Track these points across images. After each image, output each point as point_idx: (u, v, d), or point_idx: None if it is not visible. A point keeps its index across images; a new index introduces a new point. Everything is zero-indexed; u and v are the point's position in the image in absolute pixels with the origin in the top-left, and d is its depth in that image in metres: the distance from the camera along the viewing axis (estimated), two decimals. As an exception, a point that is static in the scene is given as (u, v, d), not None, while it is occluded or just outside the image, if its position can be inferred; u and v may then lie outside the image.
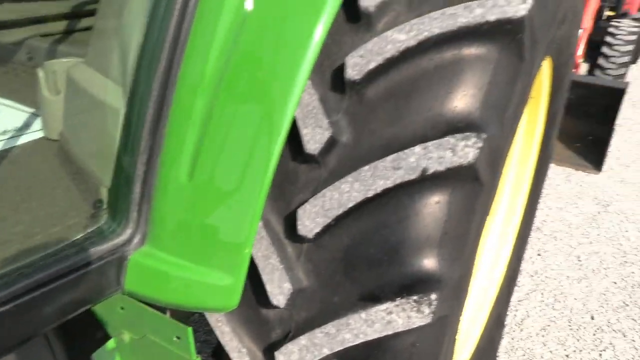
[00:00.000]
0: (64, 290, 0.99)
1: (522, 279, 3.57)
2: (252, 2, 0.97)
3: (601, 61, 5.83)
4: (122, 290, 1.10)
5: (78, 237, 1.04)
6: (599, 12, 6.18)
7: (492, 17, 1.02)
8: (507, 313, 3.21)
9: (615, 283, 3.54)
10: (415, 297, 1.07)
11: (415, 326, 1.07)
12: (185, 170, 1.03)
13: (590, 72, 6.10)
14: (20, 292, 0.93)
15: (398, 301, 1.08)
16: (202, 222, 1.04)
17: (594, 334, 3.12)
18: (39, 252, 0.99)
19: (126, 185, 1.05)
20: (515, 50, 1.08)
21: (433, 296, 1.06)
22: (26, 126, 1.62)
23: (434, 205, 1.06)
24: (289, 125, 0.97)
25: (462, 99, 1.04)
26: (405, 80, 1.07)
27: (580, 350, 3.00)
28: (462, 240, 1.11)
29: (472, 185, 1.07)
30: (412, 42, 1.03)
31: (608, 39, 5.81)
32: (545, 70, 1.83)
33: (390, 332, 1.09)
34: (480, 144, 1.00)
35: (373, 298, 1.10)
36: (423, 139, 1.03)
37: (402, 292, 1.07)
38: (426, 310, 1.06)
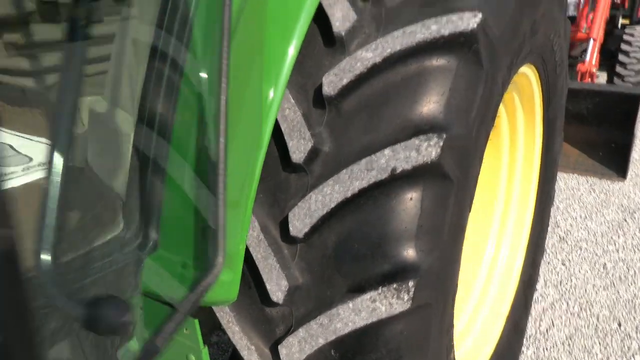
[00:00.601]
0: (87, 291, 1.14)
1: (546, 289, 3.58)
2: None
3: (619, 69, 5.83)
4: (139, 290, 1.26)
5: (99, 244, 1.20)
6: (613, 21, 6.21)
7: (446, 32, 1.16)
8: (529, 322, 3.23)
9: (643, 289, 3.51)
10: (395, 285, 1.18)
11: (397, 312, 1.19)
12: (187, 181, 1.19)
13: (610, 80, 6.09)
14: (49, 293, 1.09)
15: (380, 290, 1.19)
16: (202, 227, 1.19)
17: (622, 341, 3.10)
18: (64, 257, 1.16)
19: (138, 198, 1.22)
20: (473, 59, 1.21)
21: (411, 284, 1.18)
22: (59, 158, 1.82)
23: (408, 201, 1.19)
24: (268, 137, 1.12)
25: (427, 105, 1.18)
26: (375, 92, 1.21)
27: (608, 358, 2.98)
28: (438, 232, 1.23)
29: (442, 181, 1.19)
30: (378, 59, 1.18)
31: (624, 46, 5.82)
32: (532, 77, 1.94)
33: (375, 319, 1.20)
34: (441, 143, 1.13)
35: (359, 289, 1.22)
36: (393, 142, 1.17)
37: (383, 281, 1.19)
38: (405, 296, 1.18)
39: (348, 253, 1.23)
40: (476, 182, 1.40)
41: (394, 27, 1.22)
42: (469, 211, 1.40)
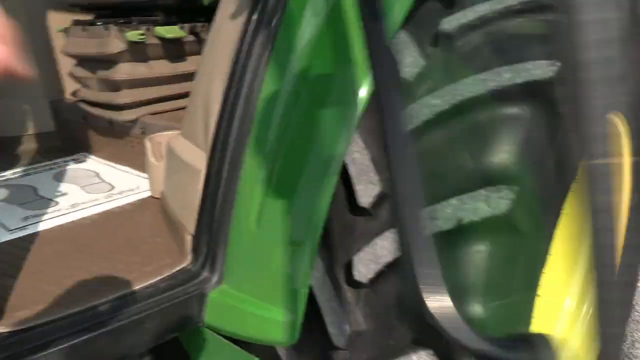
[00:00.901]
0: (155, 319, 1.19)
1: (635, 351, 3.31)
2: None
3: None
4: (203, 323, 1.29)
5: (167, 275, 1.25)
6: None
7: (520, 80, 1.13)
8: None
9: None
10: (459, 340, 1.13)
11: (460, 368, 1.14)
12: (253, 219, 1.22)
13: None
14: (120, 318, 1.15)
15: (444, 343, 1.15)
16: (267, 265, 1.21)
17: None
18: (135, 285, 1.22)
19: (206, 233, 1.26)
20: (549, 109, 1.16)
21: (476, 339, 1.13)
22: (137, 187, 1.93)
23: (474, 254, 1.15)
24: (334, 182, 1.13)
25: (497, 155, 1.14)
26: (443, 140, 1.19)
27: None
28: (507, 287, 1.18)
29: (511, 235, 1.15)
30: (446, 106, 1.16)
31: None
32: (620, 127, 1.84)
33: (438, 373, 1.16)
34: (512, 196, 1.09)
35: (423, 341, 1.19)
36: (460, 192, 1.14)
37: (447, 334, 1.15)
38: (470, 352, 1.13)
39: (411, 302, 1.20)
40: (551, 235, 1.33)
41: (464, 74, 1.21)
42: (543, 265, 1.33)
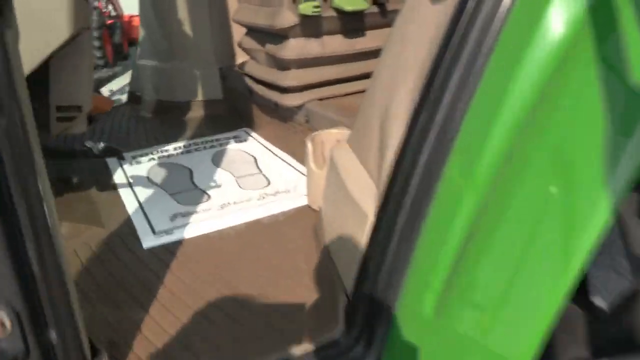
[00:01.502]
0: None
1: None
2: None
3: None
4: (348, 409, 1.00)
5: (311, 349, 0.97)
6: None
7: None
8: None
9: None
10: None
11: None
12: (432, 301, 0.87)
13: None
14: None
15: None
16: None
17: None
18: (268, 356, 0.96)
19: (365, 302, 0.95)
20: None
21: None
22: (294, 187, 1.68)
23: None
24: (587, 251, 0.72)
25: None
26: None
27: None
28: None
29: None
30: None
31: None
32: None
33: None
34: None
35: None
36: None
37: None
38: None
39: None
40: None
41: None
42: None
